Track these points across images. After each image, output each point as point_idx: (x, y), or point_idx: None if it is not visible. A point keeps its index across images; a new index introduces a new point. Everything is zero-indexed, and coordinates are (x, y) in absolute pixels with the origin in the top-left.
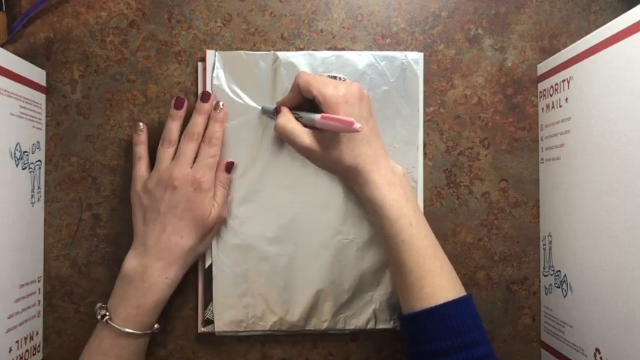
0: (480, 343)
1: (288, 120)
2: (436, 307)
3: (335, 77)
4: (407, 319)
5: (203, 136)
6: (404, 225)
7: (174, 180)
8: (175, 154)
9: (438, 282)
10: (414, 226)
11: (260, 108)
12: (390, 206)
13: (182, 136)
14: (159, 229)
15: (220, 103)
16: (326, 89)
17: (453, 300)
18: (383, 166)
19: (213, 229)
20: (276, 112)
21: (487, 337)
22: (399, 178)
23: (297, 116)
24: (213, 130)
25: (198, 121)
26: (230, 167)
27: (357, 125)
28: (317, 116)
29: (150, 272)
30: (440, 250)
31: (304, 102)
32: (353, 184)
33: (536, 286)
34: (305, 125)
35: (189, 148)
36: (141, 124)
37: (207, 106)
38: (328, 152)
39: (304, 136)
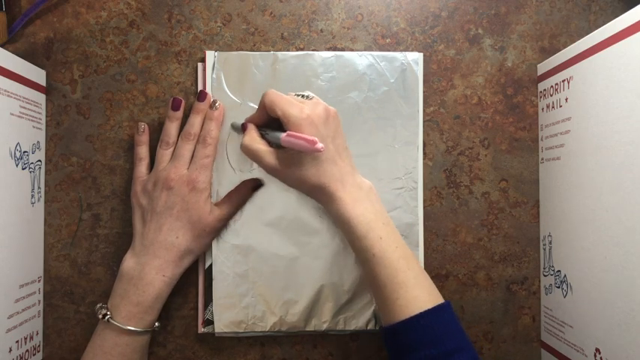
0: (458, 352)
1: (252, 139)
2: (410, 318)
3: (303, 96)
4: (385, 332)
5: (199, 136)
6: (373, 239)
7: (170, 181)
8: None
9: (412, 293)
10: (383, 239)
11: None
12: (357, 222)
13: (179, 137)
14: (156, 229)
15: (217, 102)
16: (290, 109)
17: (427, 310)
18: (349, 183)
19: (213, 232)
20: (243, 129)
21: (467, 343)
22: (365, 193)
23: (264, 133)
24: (208, 129)
25: (195, 121)
26: (257, 187)
27: (319, 145)
28: (282, 135)
29: (147, 270)
30: (413, 261)
31: (273, 120)
32: (319, 201)
33: (536, 286)
34: (272, 143)
35: (185, 149)
36: (142, 124)
37: (203, 106)
38: (293, 172)
39: (269, 156)
